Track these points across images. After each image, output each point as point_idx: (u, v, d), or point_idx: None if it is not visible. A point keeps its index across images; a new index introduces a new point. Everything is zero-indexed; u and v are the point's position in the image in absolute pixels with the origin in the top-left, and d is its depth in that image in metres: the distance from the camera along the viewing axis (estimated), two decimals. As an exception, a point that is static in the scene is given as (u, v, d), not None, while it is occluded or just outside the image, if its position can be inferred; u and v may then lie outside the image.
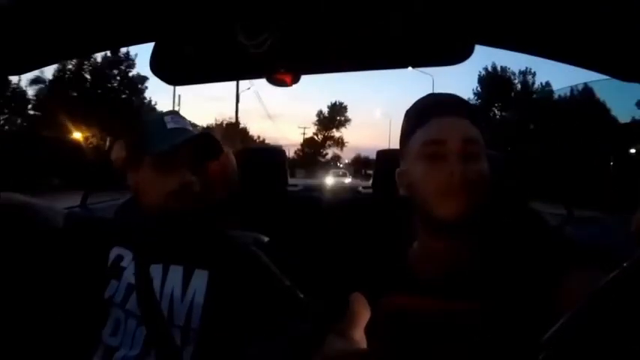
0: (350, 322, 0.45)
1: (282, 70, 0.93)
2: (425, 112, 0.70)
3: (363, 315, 0.45)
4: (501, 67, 23.17)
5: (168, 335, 0.86)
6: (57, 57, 0.94)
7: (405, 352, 0.41)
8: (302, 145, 46.52)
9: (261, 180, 1.38)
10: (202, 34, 0.90)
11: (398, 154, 0.76)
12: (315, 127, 46.30)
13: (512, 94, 22.60)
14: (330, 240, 1.32)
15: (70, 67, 16.61)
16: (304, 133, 46.80)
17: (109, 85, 17.51)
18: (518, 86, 22.97)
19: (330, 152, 46.57)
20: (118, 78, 17.81)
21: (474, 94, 23.03)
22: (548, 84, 22.13)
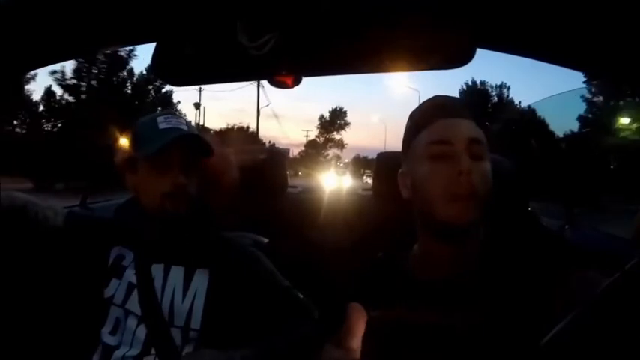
0: (347, 332, 0.45)
1: (284, 72, 0.93)
2: (430, 114, 0.70)
3: (360, 324, 0.45)
4: (480, 81, 26.46)
5: (168, 334, 0.86)
6: (57, 57, 0.94)
7: None
8: (305, 146, 50.29)
9: (261, 182, 1.38)
10: (204, 35, 0.90)
11: (399, 157, 0.76)
12: (317, 130, 49.68)
13: (489, 105, 25.07)
14: (329, 243, 1.32)
15: (114, 80, 18.37)
16: (307, 136, 50.42)
17: (147, 100, 19.48)
18: (495, 98, 26.11)
19: (331, 153, 49.74)
20: (152, 93, 19.97)
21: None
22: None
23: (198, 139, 0.92)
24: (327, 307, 0.77)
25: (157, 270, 0.92)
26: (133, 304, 0.89)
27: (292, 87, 0.95)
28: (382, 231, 0.98)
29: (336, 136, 49.80)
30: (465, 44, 0.79)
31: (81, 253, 0.96)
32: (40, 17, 0.75)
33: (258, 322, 0.90)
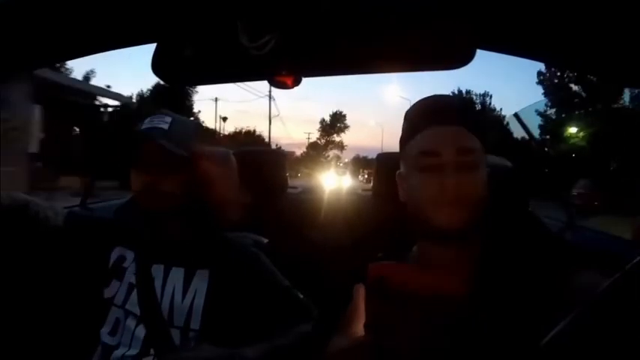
0: (351, 317, 0.45)
1: (284, 73, 0.93)
2: (421, 119, 0.70)
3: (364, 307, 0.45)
4: (466, 89, 30.18)
5: (167, 335, 0.86)
6: (57, 57, 0.94)
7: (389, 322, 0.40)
8: (307, 148, 54.88)
9: (261, 182, 1.38)
10: (204, 36, 0.90)
11: (398, 158, 0.76)
12: (319, 132, 54.61)
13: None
14: (329, 244, 1.32)
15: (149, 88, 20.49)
16: (309, 138, 55.28)
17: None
18: (479, 106, 28.75)
19: (332, 154, 53.55)
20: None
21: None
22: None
23: (164, 135, 0.91)
24: (327, 307, 0.77)
25: (157, 270, 0.92)
26: (133, 304, 0.90)
27: (292, 87, 0.95)
28: (382, 231, 0.98)
29: (337, 138, 53.92)
30: (464, 45, 0.79)
31: (82, 253, 0.96)
32: (39, 18, 0.75)
33: (258, 322, 0.90)
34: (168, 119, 0.94)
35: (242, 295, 0.91)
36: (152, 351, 0.86)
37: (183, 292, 0.90)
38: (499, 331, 0.59)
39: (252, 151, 1.56)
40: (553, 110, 20.99)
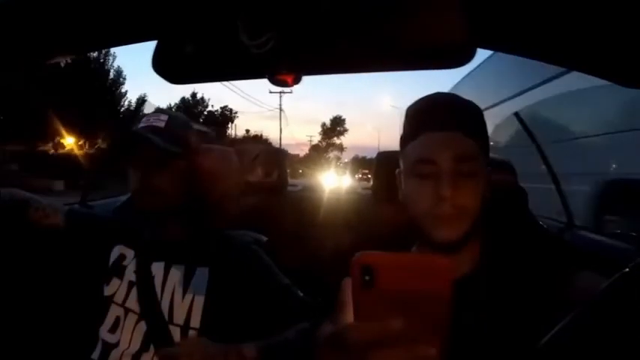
0: (341, 308, 0.44)
1: (284, 71, 0.93)
2: (419, 124, 0.69)
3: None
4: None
5: (167, 332, 0.87)
6: (56, 54, 0.94)
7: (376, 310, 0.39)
8: (310, 149, 58.76)
9: (260, 181, 1.38)
10: (205, 34, 0.90)
11: (398, 156, 0.76)
12: (320, 135, 58.28)
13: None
14: (329, 242, 1.32)
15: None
16: (311, 140, 59.24)
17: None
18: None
19: (332, 155, 56.68)
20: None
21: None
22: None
23: (159, 133, 0.92)
24: (326, 305, 0.76)
25: (157, 268, 0.92)
26: (133, 302, 0.90)
27: (292, 86, 0.94)
28: (382, 230, 0.98)
29: (337, 140, 57.45)
30: (464, 44, 0.79)
31: (82, 251, 0.97)
32: (39, 15, 0.74)
33: (257, 320, 0.90)
34: (165, 117, 0.94)
35: (242, 293, 0.91)
36: (151, 348, 0.87)
37: (183, 289, 0.90)
38: (499, 331, 0.59)
39: (253, 148, 1.56)
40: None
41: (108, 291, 0.93)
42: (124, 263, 0.95)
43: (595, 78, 0.79)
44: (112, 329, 0.90)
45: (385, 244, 0.78)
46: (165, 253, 0.94)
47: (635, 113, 3.75)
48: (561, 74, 4.49)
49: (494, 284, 0.64)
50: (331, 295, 0.73)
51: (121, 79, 19.03)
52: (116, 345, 0.88)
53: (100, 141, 15.52)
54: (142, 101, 19.68)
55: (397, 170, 0.75)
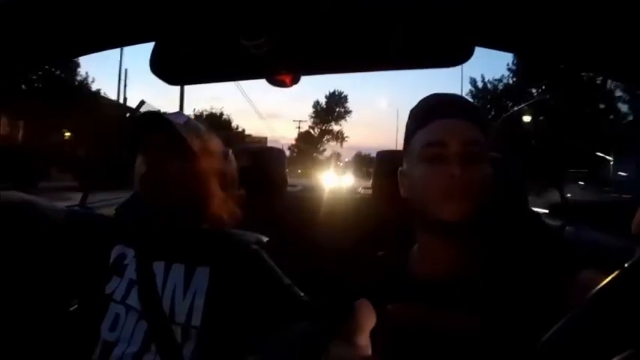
0: (355, 328, 0.44)
1: (282, 71, 0.93)
2: (426, 113, 0.70)
3: (369, 320, 0.45)
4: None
5: (169, 331, 0.86)
6: (53, 57, 0.94)
7: None
8: (297, 140, 39.52)
9: (260, 180, 1.38)
10: (202, 35, 0.90)
11: (398, 155, 0.76)
12: (312, 119, 39.53)
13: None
14: (329, 242, 1.32)
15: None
16: (299, 127, 39.89)
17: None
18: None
19: (329, 149, 41.30)
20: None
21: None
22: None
23: (159, 119, 0.91)
24: (327, 306, 0.77)
25: (157, 267, 0.92)
26: (134, 300, 0.90)
27: (291, 86, 0.95)
28: (382, 230, 0.98)
29: (335, 127, 39.68)
30: (463, 43, 0.79)
31: (82, 251, 0.96)
32: (36, 17, 0.74)
33: (258, 319, 0.90)
34: (184, 118, 0.95)
35: (242, 293, 0.91)
36: (153, 348, 0.86)
37: (184, 288, 0.90)
38: (499, 329, 0.59)
39: (251, 148, 1.56)
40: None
41: (108, 289, 0.93)
42: (125, 262, 0.94)
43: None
44: (112, 327, 0.90)
45: (386, 244, 0.79)
46: (166, 251, 0.94)
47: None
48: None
49: (494, 281, 0.64)
50: (333, 298, 0.73)
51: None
52: (116, 344, 0.88)
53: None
54: (141, 103, 19.64)
55: (400, 169, 0.75)
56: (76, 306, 0.97)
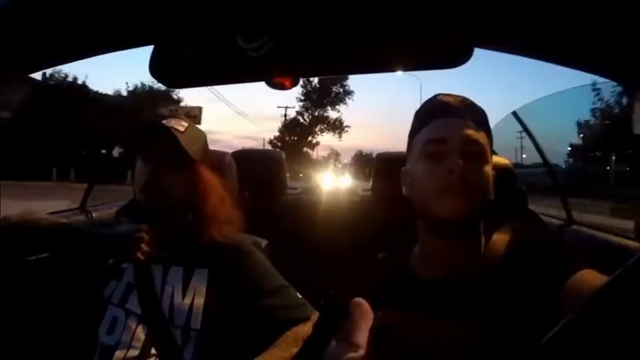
0: (353, 328, 0.44)
1: (281, 74, 0.93)
2: (430, 113, 0.71)
3: (366, 320, 0.45)
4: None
5: (169, 334, 0.86)
6: (52, 60, 0.94)
7: None
8: (281, 131, 29.58)
9: (260, 184, 1.38)
10: (201, 38, 0.90)
11: (397, 157, 0.76)
12: (301, 103, 29.52)
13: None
14: (329, 244, 1.32)
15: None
16: (285, 114, 29.78)
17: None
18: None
19: (323, 143, 31.66)
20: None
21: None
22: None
23: (162, 129, 0.93)
24: (326, 308, 0.76)
25: (156, 270, 0.92)
26: (133, 303, 0.89)
27: (290, 88, 0.95)
28: (383, 231, 0.98)
29: (331, 113, 29.58)
30: (462, 44, 0.79)
31: (78, 261, 0.97)
32: (36, 20, 0.74)
33: (256, 321, 0.90)
34: (185, 124, 0.96)
35: (241, 294, 0.91)
36: (154, 351, 0.86)
37: (183, 291, 0.90)
38: (500, 329, 0.59)
39: (251, 152, 1.56)
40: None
41: (105, 293, 0.93)
42: (123, 266, 0.94)
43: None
44: (110, 330, 0.90)
45: (387, 245, 0.79)
46: (164, 255, 0.94)
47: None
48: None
49: (494, 281, 0.64)
50: (332, 300, 0.73)
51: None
52: (115, 347, 0.88)
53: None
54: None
55: (402, 168, 0.76)
56: (73, 309, 0.97)
